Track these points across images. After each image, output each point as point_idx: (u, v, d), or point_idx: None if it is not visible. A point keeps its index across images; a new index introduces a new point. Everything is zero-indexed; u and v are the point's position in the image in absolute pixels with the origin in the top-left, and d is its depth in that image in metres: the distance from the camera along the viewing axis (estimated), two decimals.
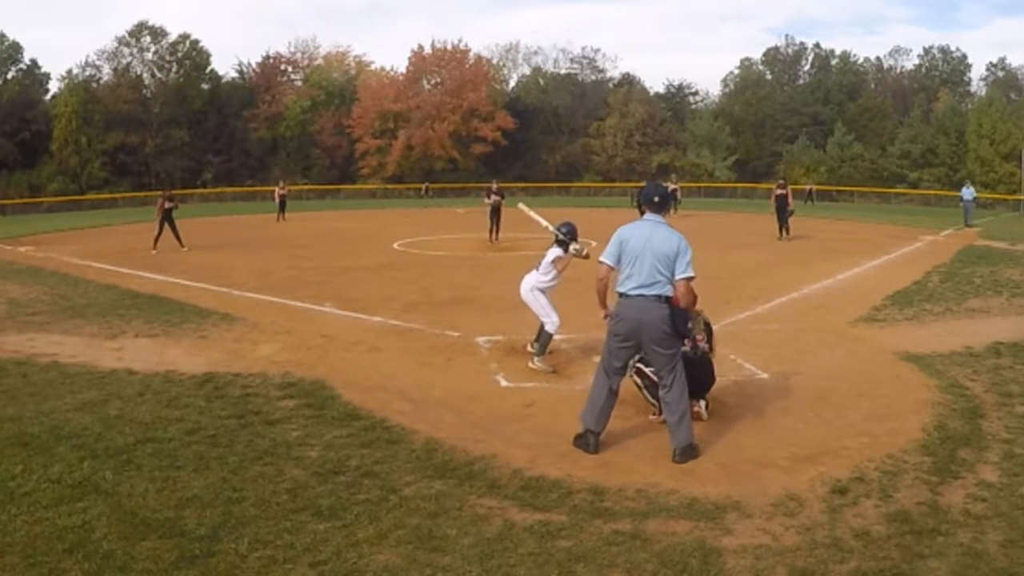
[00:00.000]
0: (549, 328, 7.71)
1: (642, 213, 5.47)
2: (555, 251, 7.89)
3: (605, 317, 5.54)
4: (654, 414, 6.06)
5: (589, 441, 5.44)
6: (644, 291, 5.22)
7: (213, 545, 3.96)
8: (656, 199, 5.45)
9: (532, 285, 7.93)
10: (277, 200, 31.82)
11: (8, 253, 19.52)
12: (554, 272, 7.86)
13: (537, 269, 7.94)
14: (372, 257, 17.85)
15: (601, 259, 5.42)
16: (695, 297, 5.42)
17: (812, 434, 5.79)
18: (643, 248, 5.23)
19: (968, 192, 29.34)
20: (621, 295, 5.34)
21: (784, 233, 21.19)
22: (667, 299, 5.23)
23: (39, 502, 4.44)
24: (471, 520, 4.30)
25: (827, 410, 6.36)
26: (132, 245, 20.57)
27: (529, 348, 7.88)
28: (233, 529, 4.14)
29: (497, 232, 20.95)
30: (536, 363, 7.60)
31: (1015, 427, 5.82)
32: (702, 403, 6.23)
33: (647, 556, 3.90)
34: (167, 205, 19.35)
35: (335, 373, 7.41)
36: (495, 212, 20.96)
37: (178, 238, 19.18)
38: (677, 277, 5.22)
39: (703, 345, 6.23)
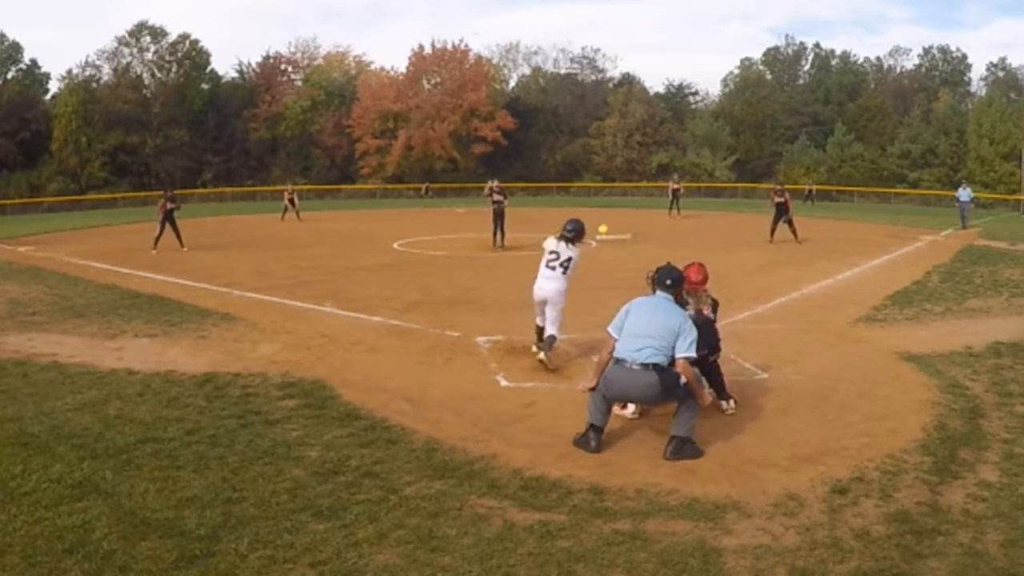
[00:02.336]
0: (558, 334, 7.78)
1: (654, 291, 5.69)
2: (573, 251, 7.93)
3: (588, 390, 5.67)
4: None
5: (590, 439, 5.49)
6: (635, 356, 5.36)
7: (213, 545, 3.96)
8: (668, 282, 5.67)
9: (563, 290, 7.88)
10: (286, 201, 30.61)
11: (8, 253, 19.51)
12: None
13: (555, 270, 7.89)
14: (372, 257, 17.85)
15: (609, 330, 5.61)
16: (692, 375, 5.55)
17: (812, 434, 5.79)
18: (648, 321, 5.44)
19: (965, 193, 28.67)
20: (616, 360, 5.47)
21: (794, 236, 20.35)
22: (655, 367, 5.34)
23: (39, 502, 4.45)
24: (471, 520, 4.30)
25: (827, 410, 6.36)
26: (132, 245, 20.56)
27: (536, 350, 7.91)
28: (233, 529, 4.14)
29: (503, 237, 19.52)
30: (546, 356, 7.60)
31: (1015, 427, 5.82)
32: (731, 402, 6.37)
33: (647, 556, 3.90)
34: (169, 205, 19.39)
35: (335, 373, 7.41)
36: (498, 216, 19.56)
37: (179, 238, 19.23)
38: (678, 356, 5.37)
39: (708, 313, 6.35)
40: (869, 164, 57.58)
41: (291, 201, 30.71)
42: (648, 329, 5.39)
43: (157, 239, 18.88)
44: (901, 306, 11.13)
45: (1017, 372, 7.41)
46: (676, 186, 31.84)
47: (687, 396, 5.43)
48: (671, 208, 31.03)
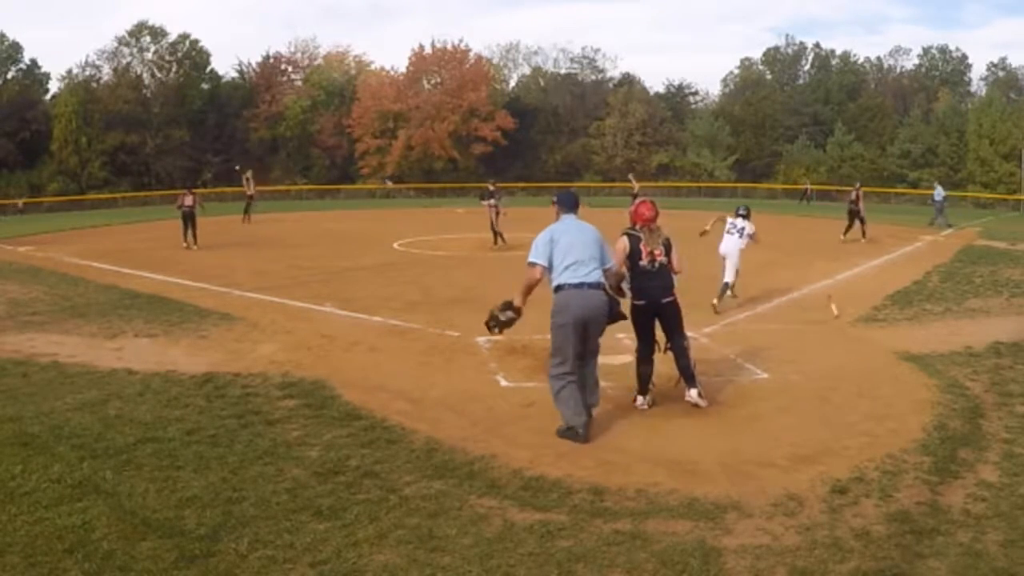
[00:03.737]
0: (731, 281, 11.41)
1: (558, 217, 6.08)
2: (747, 224, 11.71)
3: (516, 309, 6.06)
4: (635, 400, 6.48)
5: (578, 432, 5.62)
6: (585, 279, 5.71)
7: (213, 545, 3.96)
8: (574, 204, 6.18)
9: (740, 247, 11.53)
10: (250, 199, 29.39)
11: (8, 253, 19.52)
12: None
13: (733, 235, 11.63)
14: (372, 257, 17.85)
15: (533, 260, 5.80)
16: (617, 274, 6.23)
17: (812, 434, 5.79)
18: (582, 245, 5.80)
19: (939, 192, 29.27)
20: (571, 286, 5.70)
21: (855, 235, 21.12)
22: (600, 286, 5.82)
23: (39, 502, 4.45)
24: (471, 520, 4.30)
25: (827, 410, 6.36)
26: (132, 245, 20.58)
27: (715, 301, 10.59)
28: (233, 529, 4.14)
29: (502, 236, 19.40)
30: (718, 301, 10.52)
31: (1015, 427, 5.82)
32: (694, 392, 6.42)
33: (647, 556, 3.90)
34: (188, 202, 20.20)
35: (335, 373, 7.41)
36: (496, 218, 19.51)
37: (194, 236, 20.02)
38: (605, 268, 5.90)
39: (661, 259, 6.41)
40: (869, 164, 57.54)
41: (250, 198, 29.33)
42: (584, 253, 5.75)
43: (185, 234, 20.01)
44: (901, 306, 11.14)
45: (1017, 372, 7.41)
46: (634, 186, 32.44)
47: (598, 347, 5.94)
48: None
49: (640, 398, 6.54)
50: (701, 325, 9.63)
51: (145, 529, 4.13)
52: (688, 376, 6.49)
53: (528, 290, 5.87)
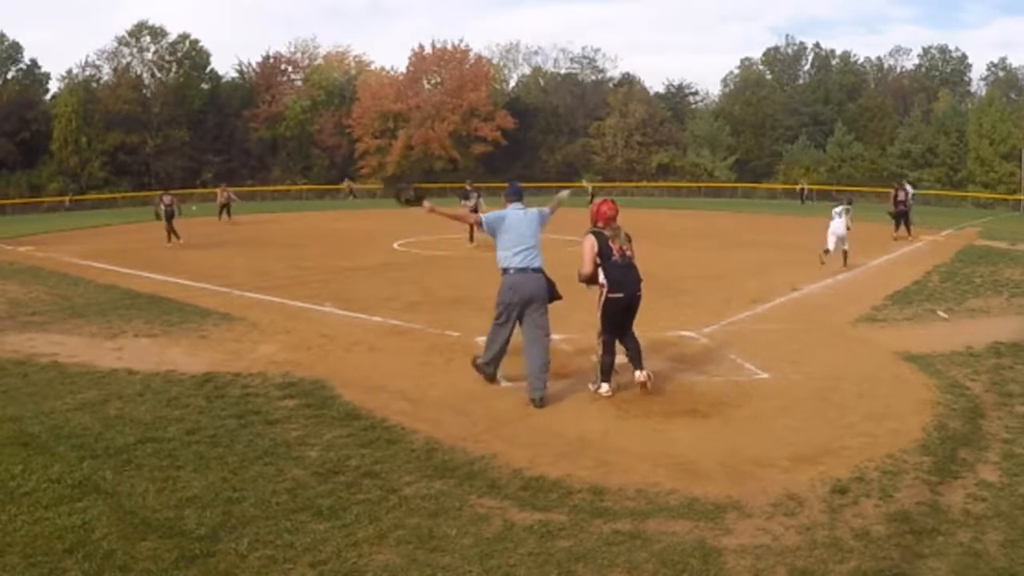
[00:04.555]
0: (832, 248, 15.21)
1: (505, 205, 6.97)
2: (846, 206, 15.72)
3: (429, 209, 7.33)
4: (593, 384, 6.82)
5: (495, 374, 6.96)
6: (529, 264, 6.69)
7: (213, 545, 3.96)
8: (519, 194, 7.07)
9: (845, 225, 15.19)
10: (219, 204, 30.27)
11: (8, 253, 19.52)
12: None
13: (836, 219, 15.32)
14: (372, 257, 17.85)
15: (483, 217, 6.93)
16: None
17: (812, 434, 5.79)
18: (529, 233, 6.76)
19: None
20: (517, 270, 6.68)
21: (904, 231, 21.65)
22: (541, 270, 6.78)
23: (39, 502, 4.45)
24: (471, 520, 4.30)
25: (827, 410, 6.36)
26: (132, 245, 20.59)
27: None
28: (233, 529, 4.15)
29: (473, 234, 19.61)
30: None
31: (1015, 427, 5.82)
32: (642, 373, 6.70)
33: (647, 556, 3.90)
34: (168, 201, 21.43)
35: (335, 373, 7.41)
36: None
37: (175, 234, 20.90)
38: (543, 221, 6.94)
39: (629, 254, 6.82)
40: (869, 164, 57.57)
41: (226, 204, 30.00)
42: (531, 241, 6.75)
43: (169, 234, 20.89)
44: (901, 306, 11.13)
45: (1017, 372, 7.41)
46: (588, 186, 32.98)
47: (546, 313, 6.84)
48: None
49: (605, 385, 6.76)
50: (701, 325, 9.64)
51: (145, 529, 4.14)
52: (639, 359, 6.82)
53: (456, 219, 7.62)
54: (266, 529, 4.15)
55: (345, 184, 54.58)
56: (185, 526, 4.18)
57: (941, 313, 10.42)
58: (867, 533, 4.15)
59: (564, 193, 8.94)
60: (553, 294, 6.88)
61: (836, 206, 15.92)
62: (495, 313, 6.87)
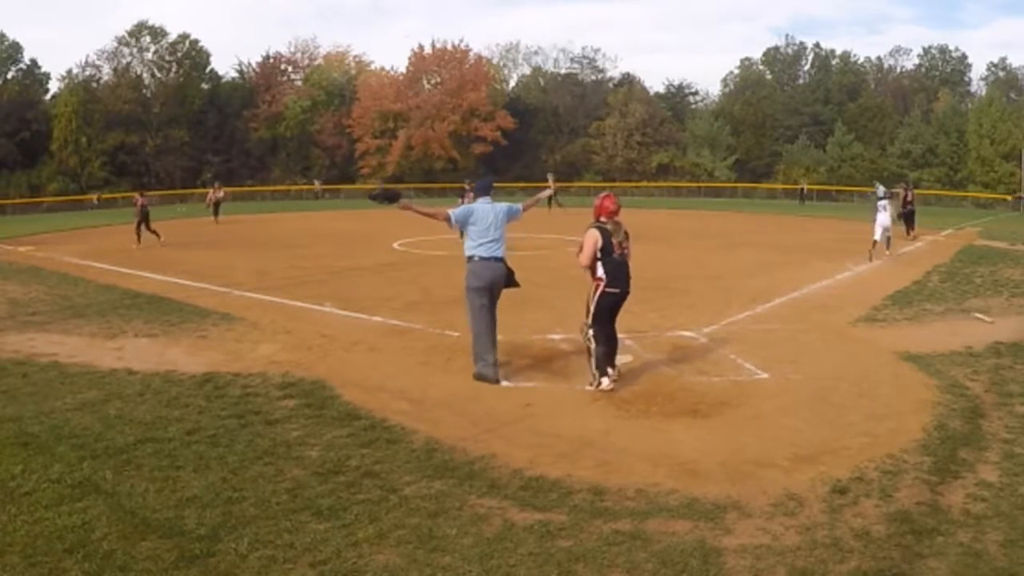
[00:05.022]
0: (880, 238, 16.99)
1: (475, 199, 7.63)
2: (888, 196, 17.27)
3: (404, 207, 7.64)
4: (591, 384, 6.86)
5: (496, 374, 7.12)
6: (494, 253, 7.29)
7: (213, 545, 3.96)
8: (488, 189, 7.81)
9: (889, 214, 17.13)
10: (211, 204, 31.34)
11: (8, 253, 19.52)
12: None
13: (882, 212, 17.16)
14: (372, 257, 17.85)
15: (450, 213, 7.41)
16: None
17: (812, 434, 5.79)
18: (494, 226, 7.30)
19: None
20: (481, 259, 7.28)
21: (907, 232, 21.85)
22: (503, 260, 7.39)
23: (39, 502, 4.45)
24: (471, 520, 4.30)
25: (827, 410, 6.36)
26: (132, 245, 20.59)
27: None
28: (233, 529, 4.15)
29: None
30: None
31: (1015, 427, 5.82)
32: (615, 371, 6.99)
33: (647, 556, 3.90)
34: (143, 202, 21.53)
35: (335, 373, 7.41)
36: None
37: (153, 232, 20.87)
38: (513, 219, 7.58)
39: (627, 251, 7.02)
40: (869, 164, 57.53)
41: (216, 203, 31.06)
42: (496, 233, 7.33)
43: (140, 235, 20.79)
44: (901, 306, 11.13)
45: (1017, 372, 7.41)
46: (551, 186, 32.95)
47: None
48: (550, 205, 30.65)
49: (605, 379, 6.85)
50: (701, 325, 9.64)
51: (145, 529, 4.14)
52: (613, 356, 7.08)
53: (429, 217, 7.75)
54: (266, 529, 4.15)
55: (316, 184, 54.04)
56: (185, 526, 4.18)
57: (983, 316, 10.32)
58: (867, 533, 4.15)
59: (544, 193, 9.40)
60: (511, 281, 7.49)
61: (880, 199, 17.56)
62: (467, 302, 7.41)
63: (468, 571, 3.76)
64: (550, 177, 35.05)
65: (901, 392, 6.83)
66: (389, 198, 7.57)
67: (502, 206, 7.51)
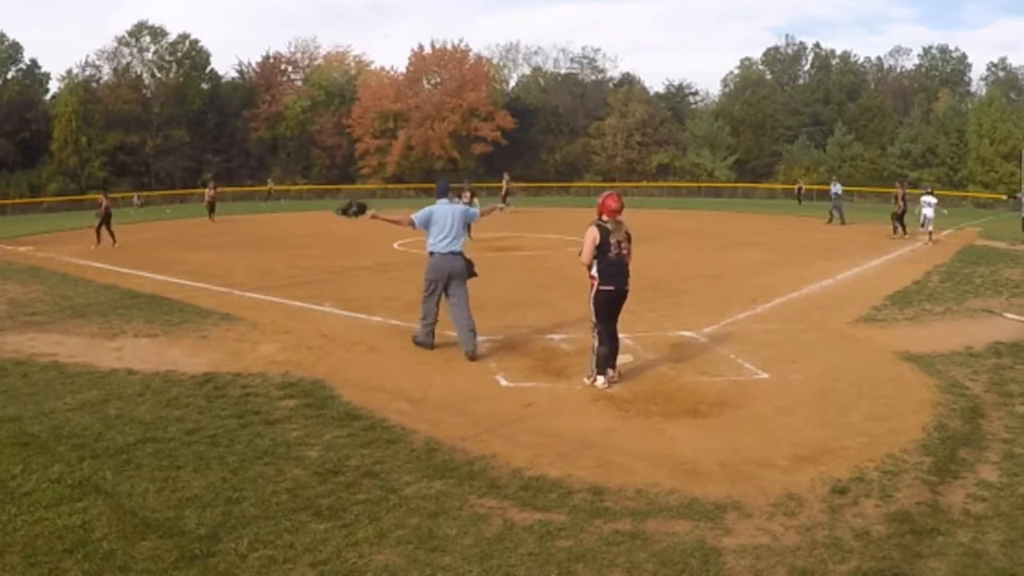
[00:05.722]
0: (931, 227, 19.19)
1: (435, 200, 8.43)
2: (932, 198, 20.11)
3: (372, 216, 8.64)
4: (588, 378, 6.99)
5: (431, 340, 8.31)
6: (451, 248, 8.09)
7: (213, 545, 3.96)
8: (446, 190, 8.68)
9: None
10: (206, 203, 31.99)
11: (8, 253, 19.52)
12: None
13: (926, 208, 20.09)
14: (372, 257, 17.83)
15: (412, 217, 8.26)
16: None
17: (812, 434, 5.79)
18: (451, 224, 8.13)
19: (837, 187, 29.07)
20: (440, 253, 8.10)
21: (898, 230, 22.11)
22: (460, 254, 8.18)
23: (39, 502, 4.45)
24: (471, 520, 4.30)
25: (827, 410, 6.36)
26: (132, 245, 20.60)
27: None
28: (233, 529, 4.15)
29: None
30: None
31: (1015, 427, 5.82)
32: (614, 372, 7.05)
33: (647, 556, 3.90)
34: (105, 204, 21.28)
35: (335, 373, 7.41)
36: None
37: (111, 235, 20.70)
38: (471, 221, 8.96)
39: (625, 251, 7.04)
40: (869, 164, 57.55)
41: (211, 202, 31.66)
42: (453, 230, 8.14)
43: (100, 236, 20.60)
44: (901, 306, 11.13)
45: (1017, 372, 7.41)
46: (506, 186, 33.33)
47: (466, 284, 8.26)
48: (503, 205, 30.91)
49: (601, 378, 6.90)
50: (701, 325, 9.64)
51: (145, 529, 4.14)
52: (614, 357, 7.13)
53: (395, 223, 8.59)
54: (266, 529, 4.15)
55: (268, 185, 53.29)
56: (185, 526, 4.18)
57: (1014, 316, 10.29)
58: (867, 533, 4.15)
59: (500, 206, 10.43)
60: (470, 271, 8.30)
61: (924, 195, 21.60)
62: (424, 288, 8.29)
63: (468, 571, 3.77)
64: (505, 176, 35.25)
65: (901, 392, 6.83)
66: (357, 210, 8.41)
67: (459, 207, 8.43)
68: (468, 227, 8.96)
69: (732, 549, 3.99)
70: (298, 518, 4.29)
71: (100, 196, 22.55)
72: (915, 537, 4.10)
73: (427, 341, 8.37)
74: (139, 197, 48.42)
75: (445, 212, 8.21)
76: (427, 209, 8.26)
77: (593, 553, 3.93)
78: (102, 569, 3.73)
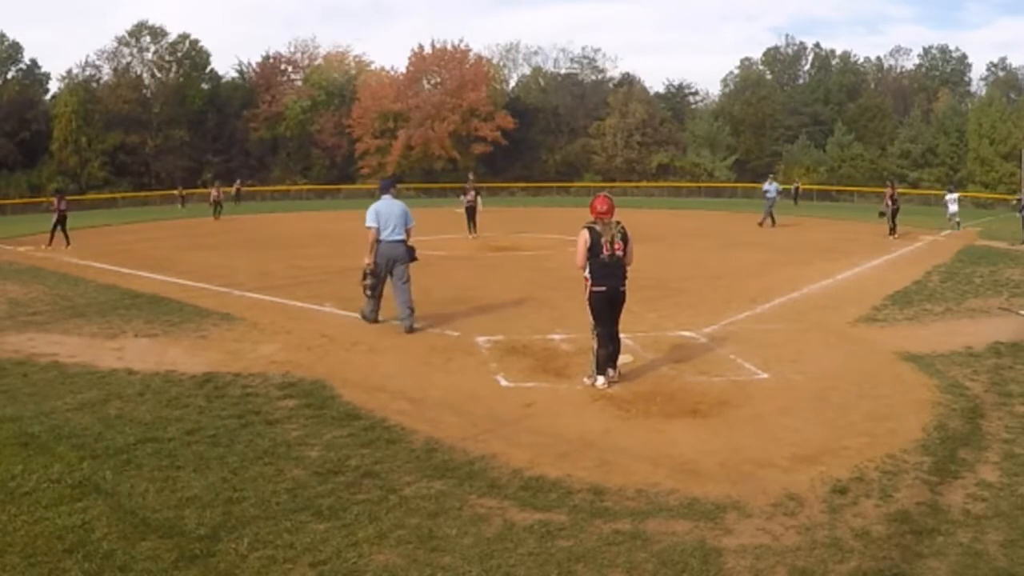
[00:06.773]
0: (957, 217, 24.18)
1: (379, 196, 9.73)
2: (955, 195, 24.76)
3: (368, 264, 9.62)
4: (588, 378, 7.01)
5: (375, 314, 9.73)
6: (394, 236, 9.49)
7: (213, 545, 3.96)
8: (392, 189, 9.97)
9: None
10: (211, 202, 32.75)
11: (8, 253, 19.52)
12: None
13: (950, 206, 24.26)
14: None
15: (369, 224, 9.49)
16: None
17: (812, 434, 5.79)
18: (396, 217, 9.53)
19: (772, 188, 28.11)
20: (386, 242, 9.46)
21: (892, 231, 22.29)
22: (403, 241, 9.59)
23: (39, 502, 4.44)
24: (471, 520, 4.30)
25: (827, 410, 6.36)
26: (132, 245, 20.61)
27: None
28: (233, 529, 4.14)
29: (474, 227, 22.23)
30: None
31: (1015, 427, 5.82)
32: (612, 371, 7.05)
33: (647, 556, 3.90)
34: (63, 206, 21.52)
35: (335, 373, 7.41)
36: (471, 211, 22.37)
37: (65, 237, 20.93)
38: (408, 226, 9.68)
39: (619, 252, 6.98)
40: (869, 164, 57.55)
41: (216, 201, 32.49)
42: (396, 222, 9.50)
43: (52, 237, 20.90)
44: (901, 306, 11.13)
45: (1017, 372, 7.41)
46: (472, 188, 33.69)
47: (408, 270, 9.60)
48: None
49: (601, 379, 6.91)
50: (701, 325, 9.64)
51: (145, 529, 4.13)
52: (614, 359, 7.12)
53: (372, 247, 9.48)
54: (266, 529, 4.15)
55: (177, 190, 50.41)
56: (185, 526, 4.18)
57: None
58: (867, 533, 4.15)
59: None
60: (411, 256, 9.70)
61: (948, 194, 25.76)
62: (368, 274, 9.55)
63: (468, 571, 3.76)
64: (470, 176, 35.26)
65: (901, 392, 6.83)
66: (371, 272, 9.64)
67: (402, 205, 9.74)
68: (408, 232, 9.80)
69: (732, 549, 3.99)
70: (298, 518, 4.29)
71: (54, 199, 22.44)
72: (915, 537, 4.10)
73: (373, 317, 9.76)
74: (181, 194, 47.81)
75: (389, 207, 9.57)
76: (373, 208, 9.55)
77: (593, 553, 3.93)
78: (102, 569, 3.73)
